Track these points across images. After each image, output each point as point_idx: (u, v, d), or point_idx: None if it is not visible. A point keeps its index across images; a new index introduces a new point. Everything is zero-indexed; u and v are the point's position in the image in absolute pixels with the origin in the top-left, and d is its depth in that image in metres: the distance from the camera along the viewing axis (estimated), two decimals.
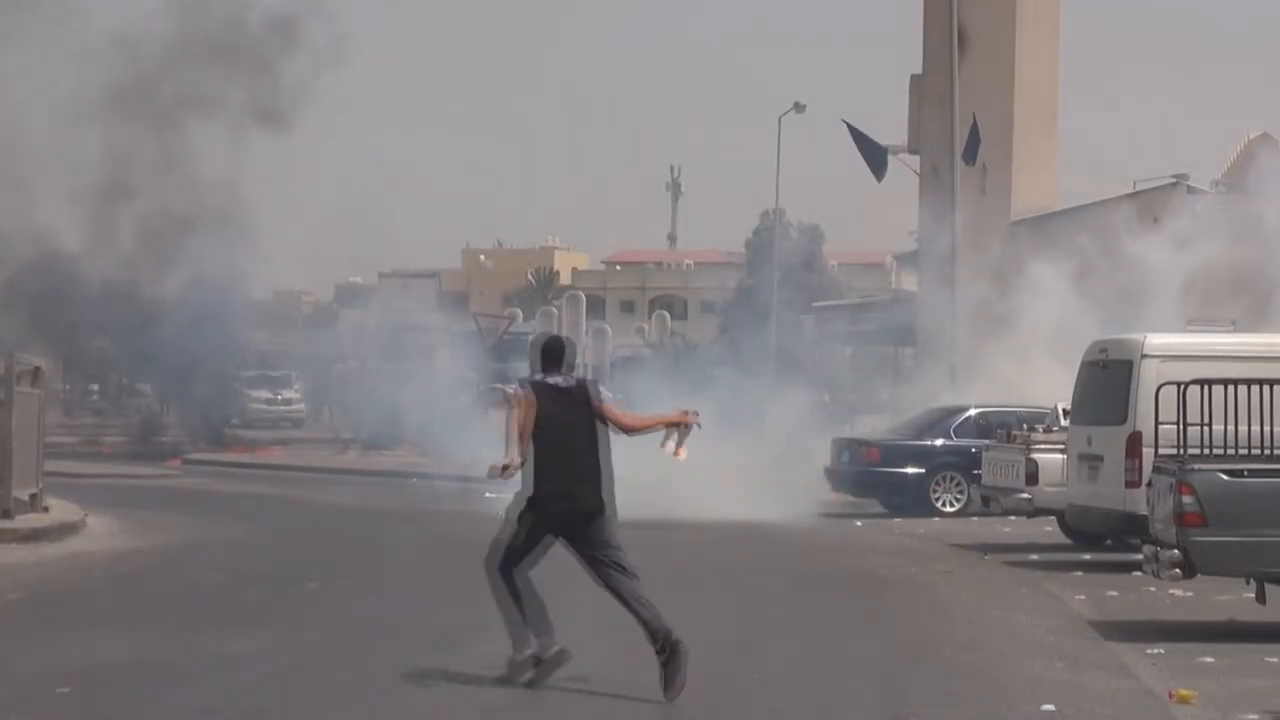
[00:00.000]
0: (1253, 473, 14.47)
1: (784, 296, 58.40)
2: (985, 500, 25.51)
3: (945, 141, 40.22)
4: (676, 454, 12.20)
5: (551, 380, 11.86)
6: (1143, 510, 16.31)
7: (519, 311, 65.93)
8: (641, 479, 24.90)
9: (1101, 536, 22.06)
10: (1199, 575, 14.69)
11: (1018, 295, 34.95)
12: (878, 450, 29.29)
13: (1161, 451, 15.58)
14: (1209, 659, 13.60)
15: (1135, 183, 42.41)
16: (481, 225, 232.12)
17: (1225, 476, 14.33)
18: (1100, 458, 20.00)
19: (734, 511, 26.07)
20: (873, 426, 35.21)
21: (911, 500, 28.61)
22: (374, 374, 47.82)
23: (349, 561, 20.57)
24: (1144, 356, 19.47)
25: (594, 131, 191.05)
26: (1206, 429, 14.85)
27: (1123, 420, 19.45)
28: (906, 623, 15.65)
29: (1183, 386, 14.87)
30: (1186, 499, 14.26)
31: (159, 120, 47.86)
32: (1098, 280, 33.77)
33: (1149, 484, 15.50)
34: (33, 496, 23.13)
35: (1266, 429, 15.00)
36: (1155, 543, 14.93)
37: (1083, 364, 21.16)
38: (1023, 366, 32.19)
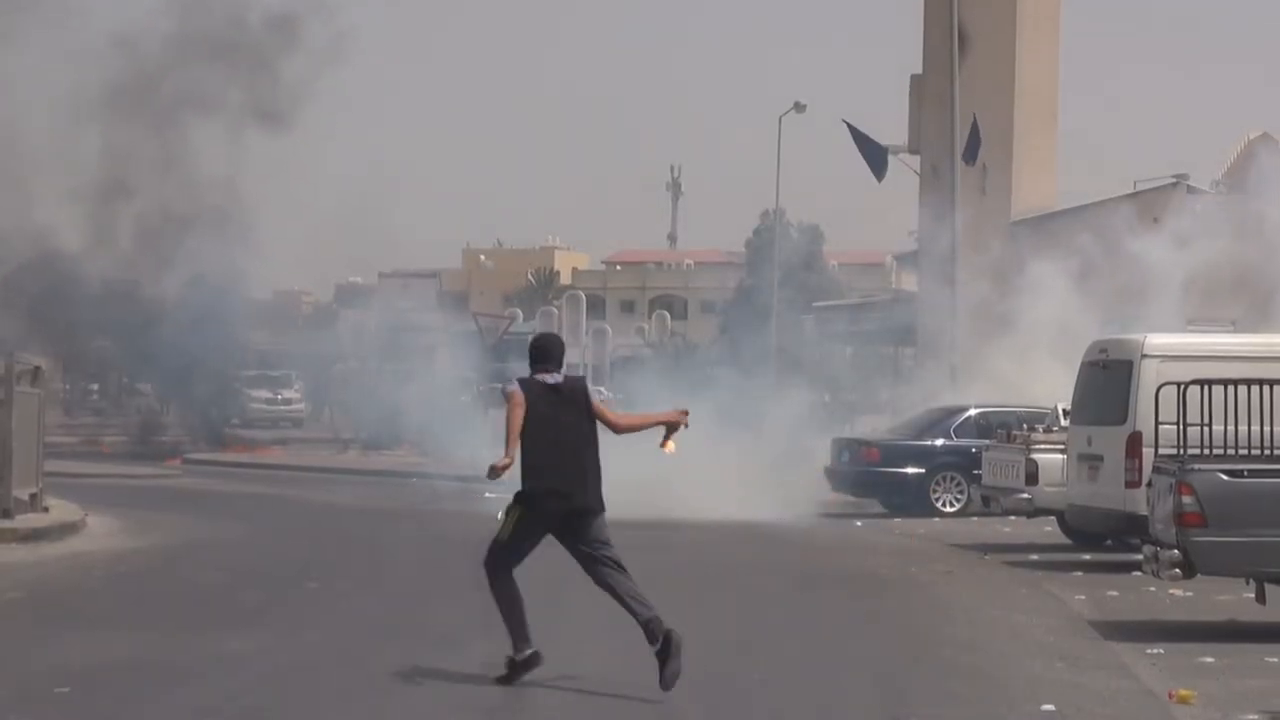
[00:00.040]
0: (1253, 473, 14.47)
1: (784, 296, 58.42)
2: (985, 500, 25.51)
3: (945, 141, 40.22)
4: (664, 447, 12.21)
5: (544, 378, 11.89)
6: (1143, 510, 16.32)
7: (519, 311, 65.99)
8: (641, 479, 25.02)
9: (1101, 536, 22.06)
10: (1199, 575, 14.69)
11: (1018, 295, 34.95)
12: (878, 450, 29.29)
13: (1161, 451, 15.58)
14: (1209, 659, 13.60)
15: (1135, 183, 42.46)
16: (481, 225, 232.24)
17: (1225, 477, 14.33)
18: (1100, 458, 20.00)
19: (734, 511, 26.07)
20: (873, 426, 35.22)
21: (911, 500, 28.61)
22: (374, 374, 47.83)
23: (349, 561, 20.56)
24: (1144, 356, 19.47)
25: (594, 131, 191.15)
26: (1206, 429, 14.85)
27: (1123, 420, 19.45)
28: (906, 623, 15.65)
29: (1183, 386, 14.87)
30: (1186, 499, 14.26)
31: (159, 119, 47.88)
32: (1098, 280, 33.79)
33: (1149, 484, 15.49)
34: (33, 496, 23.13)
35: (1266, 429, 15.00)
36: (1155, 543, 14.93)
37: (1083, 364, 21.16)
38: (1023, 366, 32.20)
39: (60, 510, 23.95)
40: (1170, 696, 11.92)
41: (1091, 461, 20.26)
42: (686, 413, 12.29)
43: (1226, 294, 34.08)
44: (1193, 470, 14.34)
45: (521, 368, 12.40)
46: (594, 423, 11.87)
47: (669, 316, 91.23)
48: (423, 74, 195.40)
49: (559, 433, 11.71)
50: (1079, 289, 33.66)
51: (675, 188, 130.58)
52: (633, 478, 24.13)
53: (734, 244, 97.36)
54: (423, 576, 18.96)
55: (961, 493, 28.38)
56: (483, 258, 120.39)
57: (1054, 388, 25.44)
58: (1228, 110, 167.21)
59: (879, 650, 13.88)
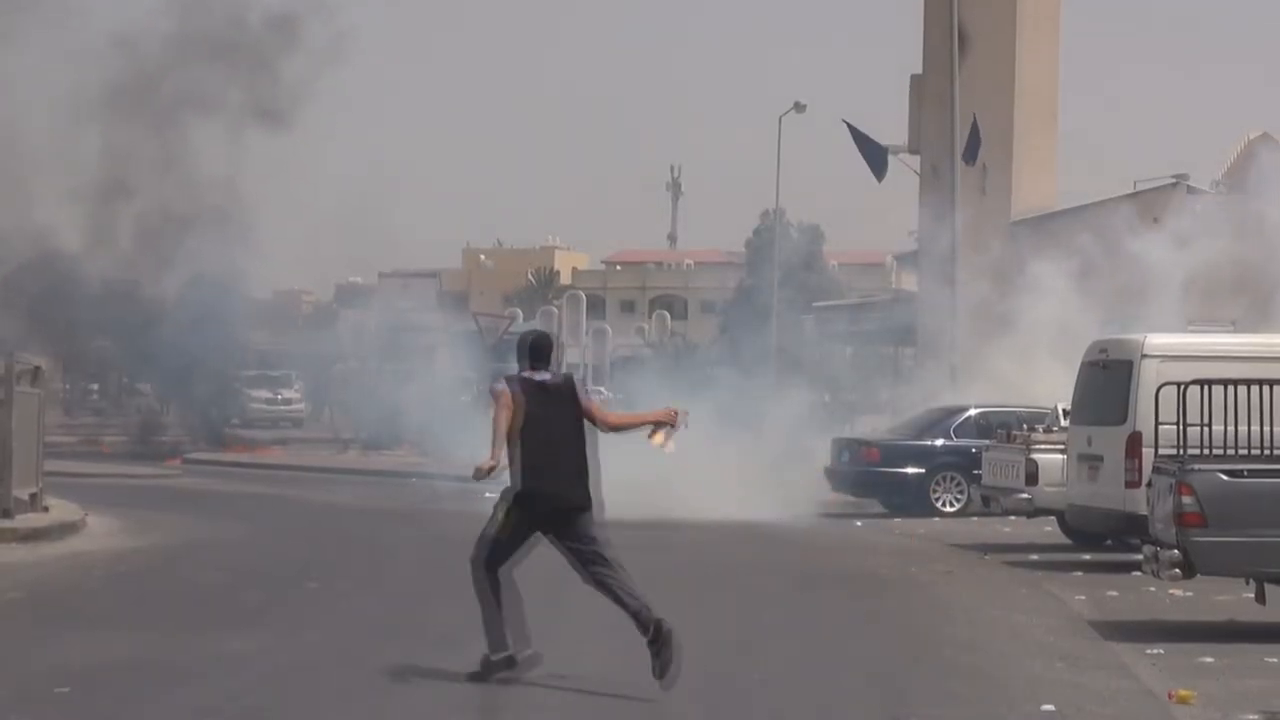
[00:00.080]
0: (1253, 473, 14.47)
1: (784, 296, 58.42)
2: (985, 500, 25.51)
3: (945, 141, 40.23)
4: (664, 446, 12.21)
5: (536, 376, 11.91)
6: (1143, 510, 16.31)
7: (519, 311, 65.95)
8: (641, 479, 25.01)
9: (1101, 536, 22.06)
10: (1199, 575, 14.69)
11: (1018, 295, 34.95)
12: (878, 450, 29.30)
13: (1161, 452, 15.57)
14: (1209, 659, 13.60)
15: (1135, 183, 42.47)
16: (481, 225, 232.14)
17: (1225, 477, 14.33)
18: (1100, 458, 20.00)
19: (734, 511, 26.07)
20: (873, 426, 35.22)
21: (911, 500, 28.61)
22: (374, 374, 47.85)
23: (349, 561, 20.57)
24: (1144, 357, 19.47)
25: (594, 131, 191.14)
26: (1206, 429, 14.85)
27: (1123, 420, 19.45)
28: (906, 623, 15.65)
29: (1183, 387, 14.87)
30: (1186, 499, 14.26)
31: (158, 119, 47.90)
32: (1098, 280, 33.79)
33: (1149, 484, 15.49)
34: (32, 496, 23.13)
35: (1266, 429, 15.00)
36: (1155, 543, 14.93)
37: (1083, 364, 21.16)
38: (1023, 366, 32.20)
39: (60, 510, 23.94)
40: (1170, 696, 11.92)
41: (1091, 461, 20.26)
42: (678, 412, 12.28)
43: (1226, 294, 34.08)
44: (1193, 470, 14.34)
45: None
46: (584, 420, 11.89)
47: (669, 316, 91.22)
48: (423, 74, 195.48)
49: (550, 431, 11.74)
50: (1079, 289, 33.66)
51: (675, 188, 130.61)
52: (633, 478, 24.16)
53: (734, 244, 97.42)
54: (423, 576, 18.96)
55: (961, 493, 28.38)
56: (483, 258, 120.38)
57: (1054, 388, 25.43)
58: (1228, 110, 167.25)
59: (879, 650, 13.89)
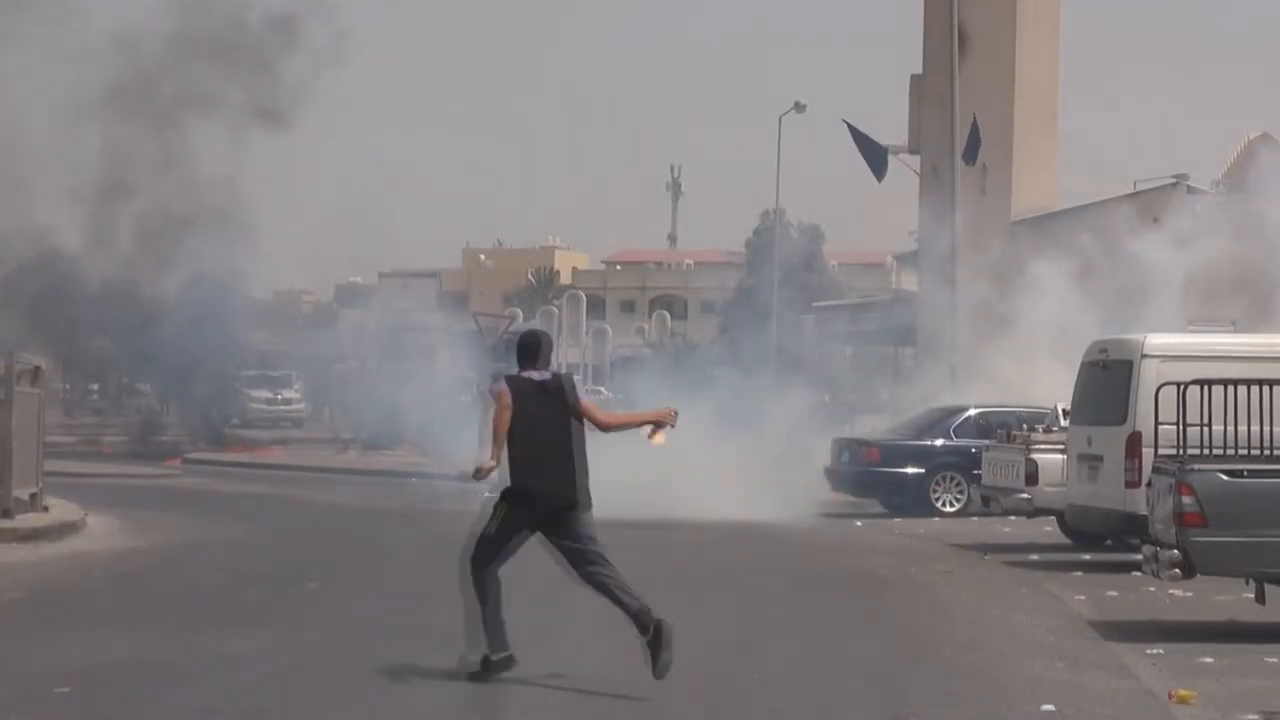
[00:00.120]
0: (1252, 473, 14.47)
1: (784, 296, 58.43)
2: (985, 500, 25.51)
3: (945, 141, 40.23)
4: (652, 438, 12.26)
5: (529, 375, 11.93)
6: (1142, 510, 16.31)
7: (519, 311, 65.95)
8: (641, 479, 25.00)
9: (1101, 536, 22.06)
10: (1199, 575, 14.68)
11: (1018, 295, 34.96)
12: (878, 450, 29.30)
13: (1161, 452, 15.56)
14: (1209, 659, 13.60)
15: (1135, 183, 42.48)
16: (481, 225, 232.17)
17: (1225, 477, 14.33)
18: (1100, 458, 20.00)
19: (734, 511, 26.07)
20: (873, 426, 35.21)
21: (911, 500, 28.60)
22: (374, 374, 47.85)
23: (349, 561, 20.56)
24: (1144, 357, 19.47)
25: (594, 131, 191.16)
26: (1206, 429, 14.85)
27: (1123, 420, 19.45)
28: (906, 623, 15.65)
29: (1183, 387, 14.87)
30: (1186, 499, 14.26)
31: (158, 119, 47.91)
32: (1098, 280, 33.78)
33: (1149, 484, 15.49)
34: (33, 496, 23.13)
35: (1266, 429, 15.00)
36: (1155, 543, 14.93)
37: (1083, 364, 21.16)
38: (1023, 366, 32.20)
39: (60, 510, 23.94)
40: (1170, 696, 11.92)
41: (1091, 461, 20.26)
42: (674, 412, 12.32)
43: (1226, 294, 34.07)
44: (1192, 470, 14.34)
45: None
46: (580, 419, 11.91)
47: (669, 316, 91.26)
48: (423, 74, 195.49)
49: (548, 430, 11.77)
50: (1079, 289, 33.66)
51: (675, 188, 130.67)
52: (633, 478, 24.20)
53: (734, 244, 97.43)
54: (423, 576, 18.95)
55: (961, 493, 28.38)
56: (483, 258, 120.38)
57: (1054, 388, 25.43)
58: (1228, 110, 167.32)
59: (879, 650, 13.88)
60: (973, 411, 29.19)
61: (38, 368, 24.74)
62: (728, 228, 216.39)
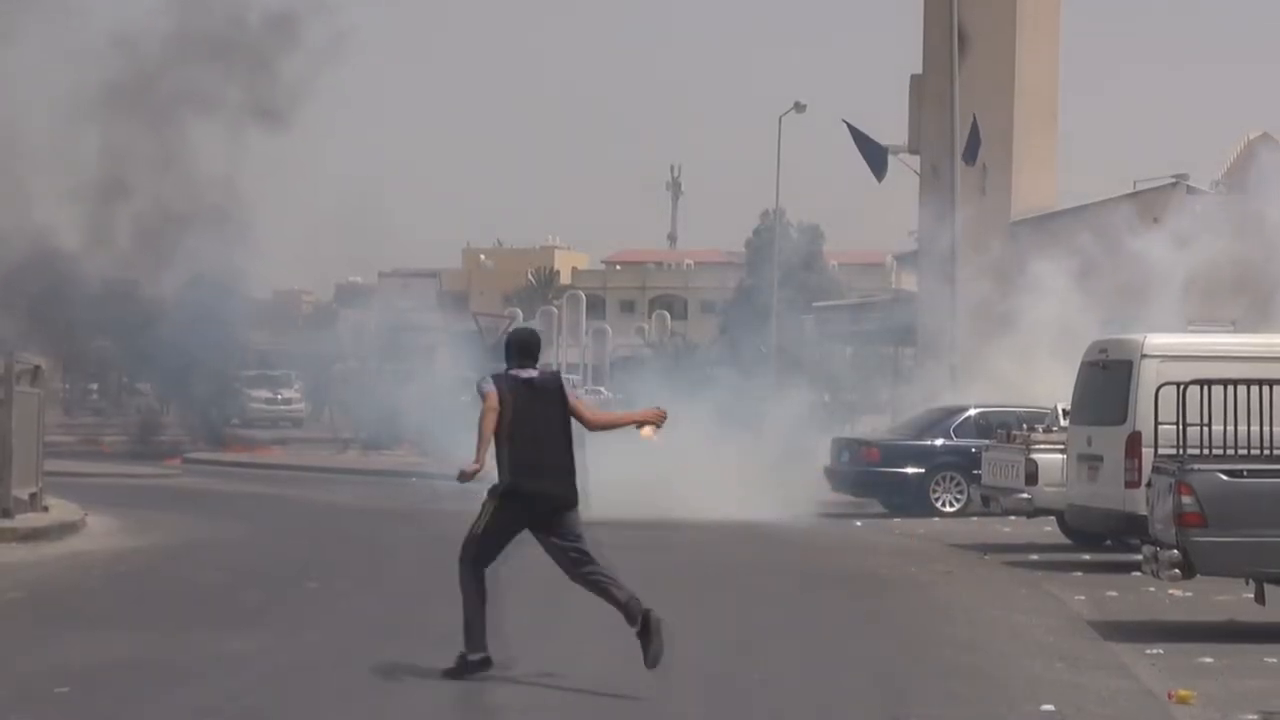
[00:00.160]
0: (1252, 473, 14.47)
1: (784, 296, 58.45)
2: (985, 500, 25.50)
3: (945, 141, 40.22)
4: (642, 431, 12.32)
5: (524, 374, 11.95)
6: (1142, 510, 16.31)
7: (519, 311, 65.97)
8: (641, 479, 25.00)
9: (1101, 536, 22.06)
10: (1198, 575, 14.68)
11: (1018, 295, 34.95)
12: (878, 450, 29.29)
13: (1161, 451, 15.56)
14: (1208, 659, 13.60)
15: (1135, 183, 42.47)
16: (481, 225, 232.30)
17: (1225, 477, 14.32)
18: (1100, 458, 20.00)
19: (734, 511, 26.07)
20: (873, 426, 35.22)
21: (911, 500, 28.60)
22: (374, 374, 47.83)
23: (349, 561, 20.56)
24: (1144, 356, 19.46)
25: (594, 131, 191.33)
26: (1206, 429, 14.85)
27: (1122, 420, 19.45)
28: (906, 623, 15.65)
29: (1182, 387, 14.86)
30: (1186, 499, 14.26)
31: (158, 118, 47.87)
32: (1098, 280, 33.78)
33: (1149, 484, 15.49)
34: (32, 496, 23.12)
35: (1266, 429, 15.00)
36: (1155, 543, 14.92)
37: (1082, 364, 21.15)
38: (1023, 366, 32.19)
39: (60, 510, 23.93)
40: (1170, 697, 11.92)
41: (1091, 461, 20.26)
42: (663, 413, 12.35)
43: (1226, 294, 34.07)
44: (1192, 470, 14.34)
45: None
46: (570, 418, 11.93)
47: (669, 316, 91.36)
48: (423, 74, 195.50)
49: (537, 428, 11.80)
50: (1079, 289, 33.65)
51: (675, 188, 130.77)
52: (633, 478, 24.23)
53: (734, 244, 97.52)
54: (423, 576, 18.93)
55: (961, 493, 28.37)
56: (483, 258, 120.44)
57: (1054, 388, 25.42)
58: (1228, 110, 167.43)
59: (879, 650, 13.88)
60: (973, 411, 29.19)
61: (37, 367, 24.73)
62: (728, 228, 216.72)
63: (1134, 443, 19.02)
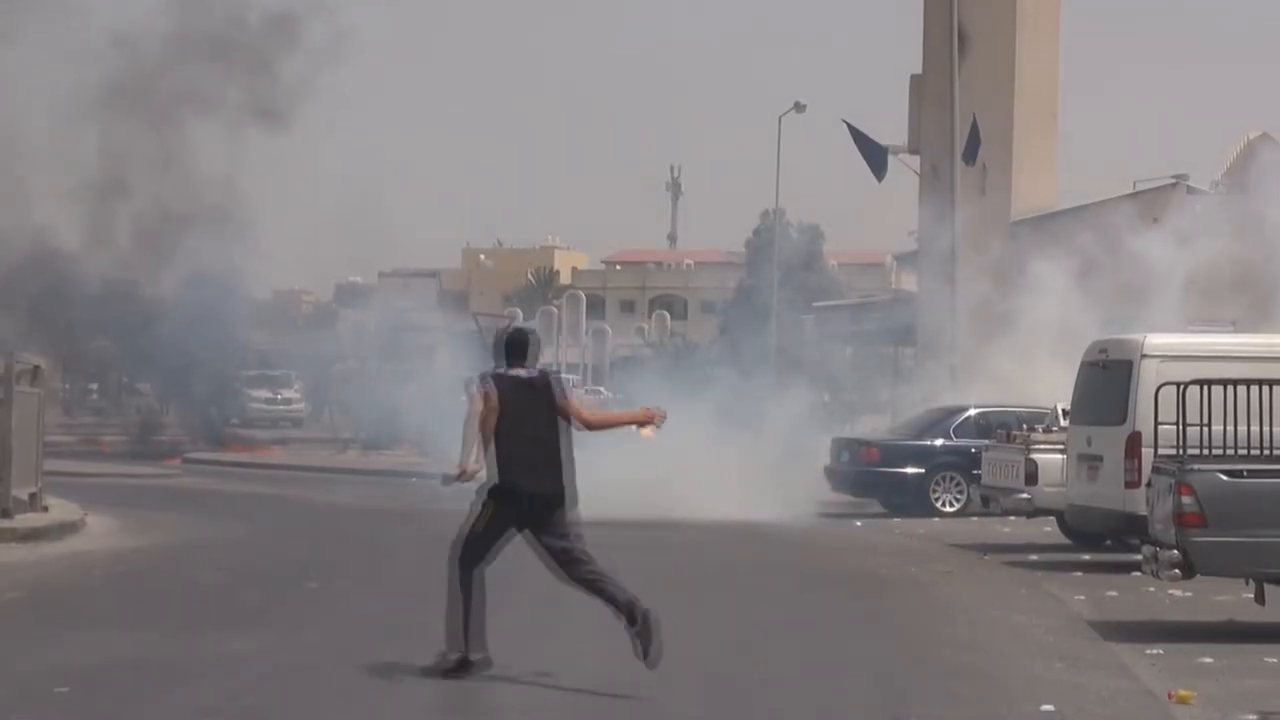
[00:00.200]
0: (1252, 473, 14.47)
1: (784, 296, 58.47)
2: (985, 500, 25.49)
3: (945, 141, 40.23)
4: (642, 430, 12.35)
5: (517, 373, 11.95)
6: (1142, 510, 16.30)
7: (519, 311, 66.03)
8: (641, 479, 24.98)
9: (1101, 536, 22.05)
10: (1198, 575, 14.68)
11: (1018, 295, 34.95)
12: (878, 450, 29.29)
13: (1161, 452, 15.56)
14: (1208, 659, 13.59)
15: (1135, 183, 42.50)
16: (481, 225, 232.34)
17: (1225, 477, 14.32)
18: (1100, 458, 20.00)
19: (734, 511, 26.07)
20: (873, 426, 35.21)
21: (911, 500, 28.60)
22: (374, 374, 47.82)
23: (349, 561, 20.56)
24: (1144, 357, 19.46)
25: (594, 131, 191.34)
26: (1206, 429, 14.85)
27: (1122, 420, 19.44)
28: (906, 623, 15.65)
29: (1182, 387, 14.86)
30: (1186, 499, 14.26)
31: (158, 118, 47.88)
32: (1098, 280, 33.78)
33: (1148, 484, 15.49)
34: (32, 496, 23.12)
35: (1266, 429, 15.00)
36: (1155, 543, 14.92)
37: (1082, 364, 21.15)
38: (1023, 366, 32.19)
39: (60, 510, 23.93)
40: (1170, 697, 11.92)
41: (1091, 461, 20.25)
42: (661, 413, 12.35)
43: (1226, 294, 34.07)
44: (1192, 470, 14.34)
45: None
46: (566, 418, 11.93)
47: (669, 316, 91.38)
48: (423, 74, 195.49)
49: (530, 427, 11.81)
50: (1079, 289, 33.65)
51: (675, 188, 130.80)
52: (633, 478, 24.22)
53: (734, 244, 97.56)
54: (423, 576, 18.87)
55: (961, 493, 28.37)
56: (483, 258, 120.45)
57: (1054, 388, 25.42)
58: (1228, 110, 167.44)
59: (879, 650, 13.88)
60: (973, 411, 29.19)
61: (37, 367, 24.73)
62: (728, 228, 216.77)
63: (1134, 443, 19.02)
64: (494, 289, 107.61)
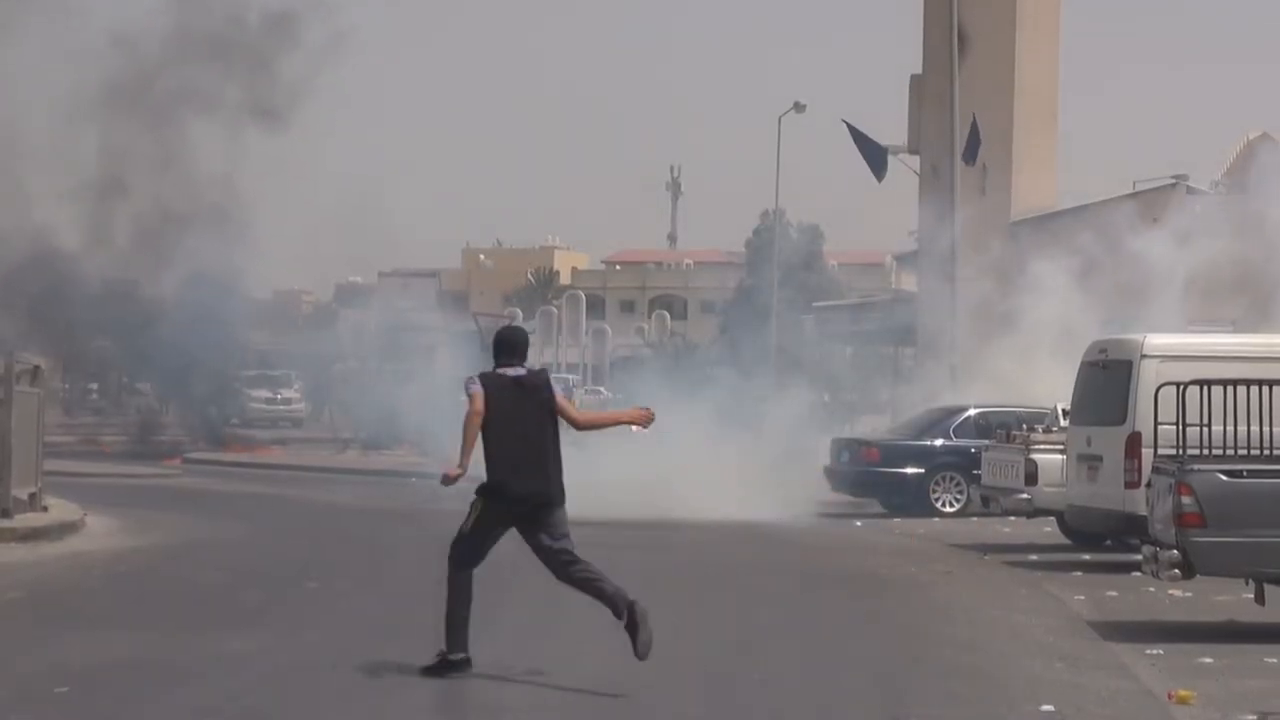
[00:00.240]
0: (1252, 473, 14.46)
1: (784, 296, 58.46)
2: (985, 500, 25.50)
3: (945, 141, 40.23)
4: (632, 425, 12.45)
5: (510, 372, 11.97)
6: (1142, 510, 16.31)
7: (519, 311, 66.05)
8: (641, 479, 24.97)
9: (1101, 537, 22.06)
10: (1198, 575, 14.68)
11: (1018, 295, 34.95)
12: (878, 450, 29.29)
13: (1161, 452, 15.56)
14: (1208, 659, 13.60)
15: (1135, 183, 42.50)
16: (481, 225, 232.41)
17: (1224, 477, 14.32)
18: (1100, 458, 20.00)
19: (734, 511, 26.07)
20: (873, 426, 35.21)
21: (911, 500, 28.60)
22: (374, 374, 47.82)
23: (349, 561, 20.56)
24: (1143, 357, 19.46)
25: (594, 131, 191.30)
26: (1206, 429, 14.85)
27: (1122, 420, 19.44)
28: (906, 623, 15.65)
29: (1182, 387, 14.86)
30: (1186, 499, 14.26)
31: (157, 118, 47.87)
32: (1098, 280, 33.78)
33: (1148, 484, 15.49)
34: (32, 496, 23.12)
35: (1266, 429, 14.99)
36: (1155, 543, 14.92)
37: (1082, 364, 21.15)
38: (1023, 366, 32.19)
39: (59, 510, 23.93)
40: (1170, 697, 11.92)
41: (1091, 462, 20.25)
42: (650, 414, 12.37)
43: (1226, 294, 34.07)
44: (1192, 470, 14.34)
45: None
46: (556, 416, 11.93)
47: (669, 316, 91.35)
48: (422, 74, 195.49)
49: (525, 427, 11.82)
50: (1079, 289, 33.65)
51: (675, 188, 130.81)
52: (633, 478, 24.23)
53: (734, 244, 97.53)
54: (423, 576, 18.87)
55: (961, 493, 28.37)
56: (483, 257, 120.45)
57: (1054, 388, 25.42)
58: (1228, 110, 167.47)
59: (879, 650, 13.88)
60: (973, 411, 29.19)
61: (37, 367, 24.73)
62: (728, 228, 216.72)
63: (1134, 443, 19.02)
64: (494, 289, 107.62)
